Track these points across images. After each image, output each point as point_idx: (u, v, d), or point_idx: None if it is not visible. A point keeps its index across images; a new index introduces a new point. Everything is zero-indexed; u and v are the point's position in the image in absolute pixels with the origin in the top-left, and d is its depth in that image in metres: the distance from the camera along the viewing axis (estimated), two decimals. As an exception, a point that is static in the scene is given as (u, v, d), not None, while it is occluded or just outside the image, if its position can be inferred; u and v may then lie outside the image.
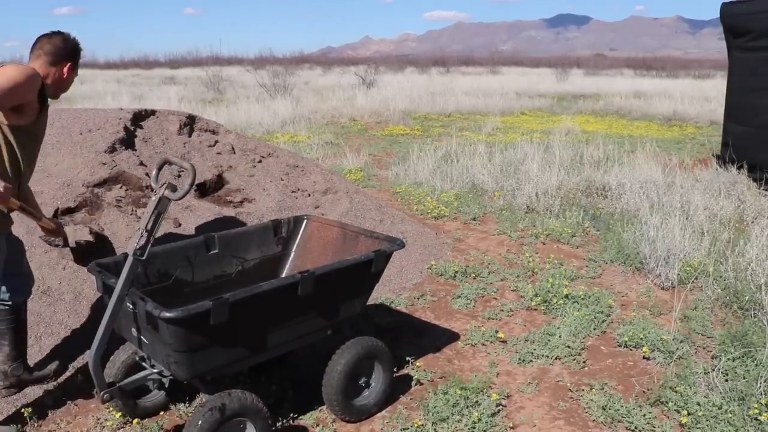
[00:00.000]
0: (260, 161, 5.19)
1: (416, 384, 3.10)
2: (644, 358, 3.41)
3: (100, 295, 2.93)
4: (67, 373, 3.01)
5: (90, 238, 3.50)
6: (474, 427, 2.71)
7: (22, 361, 2.79)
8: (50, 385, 2.92)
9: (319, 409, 2.82)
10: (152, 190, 2.42)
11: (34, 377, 2.84)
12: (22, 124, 2.44)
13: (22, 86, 2.33)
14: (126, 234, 3.78)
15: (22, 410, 2.74)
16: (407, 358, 3.25)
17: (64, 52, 2.58)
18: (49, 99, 2.59)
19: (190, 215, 4.19)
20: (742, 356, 3.23)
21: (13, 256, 2.66)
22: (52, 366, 2.89)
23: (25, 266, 2.79)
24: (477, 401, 2.90)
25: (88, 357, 2.29)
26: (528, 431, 2.77)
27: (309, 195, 5.14)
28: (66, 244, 2.81)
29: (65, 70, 2.59)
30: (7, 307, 2.67)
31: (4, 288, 2.66)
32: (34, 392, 2.87)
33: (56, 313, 3.26)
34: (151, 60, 60.67)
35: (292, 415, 2.75)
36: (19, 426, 2.65)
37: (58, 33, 2.60)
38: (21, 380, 2.78)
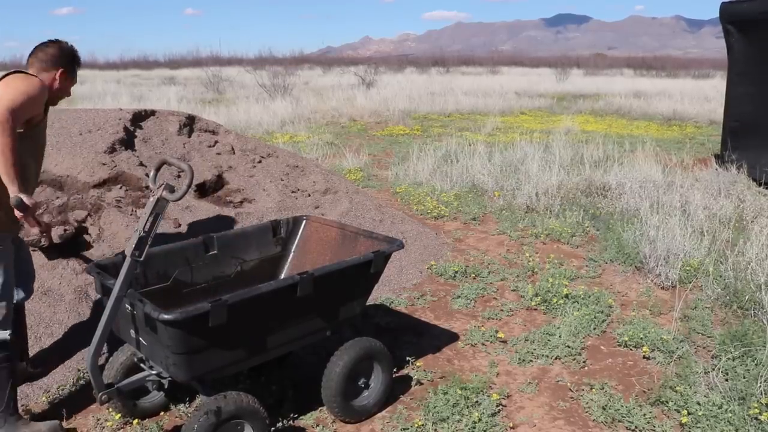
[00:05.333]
0: (260, 161, 5.19)
1: (416, 384, 3.10)
2: (644, 357, 3.41)
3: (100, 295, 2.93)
4: (67, 374, 3.01)
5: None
6: (474, 427, 2.70)
7: (26, 355, 2.89)
8: (50, 386, 2.92)
9: (319, 409, 2.82)
10: (151, 190, 2.41)
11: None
12: (28, 133, 2.46)
13: (34, 99, 2.37)
14: (126, 234, 3.78)
15: (22, 411, 2.74)
16: (407, 358, 3.25)
17: (60, 59, 2.59)
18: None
19: (190, 215, 4.19)
20: (742, 356, 3.23)
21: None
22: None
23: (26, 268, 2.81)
24: (477, 401, 2.90)
25: (86, 358, 2.29)
26: (528, 431, 2.77)
27: (309, 195, 5.14)
28: (50, 242, 2.86)
29: (58, 76, 2.59)
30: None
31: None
32: (33, 393, 2.87)
33: (56, 314, 3.26)
34: (151, 60, 60.64)
35: (292, 415, 2.75)
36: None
37: (56, 41, 2.63)
38: (24, 373, 2.86)
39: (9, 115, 2.22)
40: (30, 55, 2.60)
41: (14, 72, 2.46)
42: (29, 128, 2.45)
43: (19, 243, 2.76)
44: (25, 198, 2.29)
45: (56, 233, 3.42)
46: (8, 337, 2.50)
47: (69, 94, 2.74)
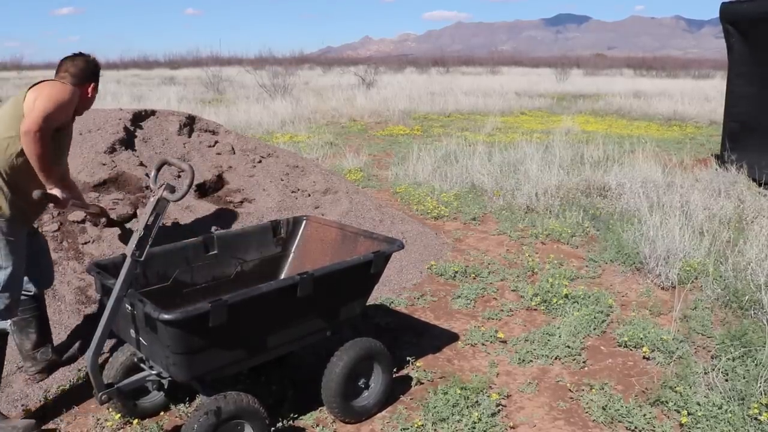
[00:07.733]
0: (260, 161, 5.19)
1: (416, 384, 3.10)
2: (644, 358, 3.41)
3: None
4: (68, 373, 3.01)
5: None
6: (474, 427, 2.70)
7: (50, 344, 2.96)
8: (50, 386, 2.93)
9: (319, 409, 2.82)
10: (151, 190, 2.42)
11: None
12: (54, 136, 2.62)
13: (64, 106, 2.57)
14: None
15: (23, 411, 2.74)
16: (407, 358, 3.25)
17: (88, 73, 2.77)
18: None
19: (190, 216, 4.19)
20: (742, 356, 3.23)
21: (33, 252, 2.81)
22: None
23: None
24: (477, 401, 2.90)
25: (86, 358, 2.29)
26: (528, 431, 2.77)
27: (309, 195, 5.14)
28: (109, 220, 3.26)
29: (89, 90, 2.80)
30: (29, 297, 2.81)
31: (26, 278, 2.79)
32: (34, 393, 2.87)
33: (56, 313, 3.27)
34: (151, 60, 60.57)
35: (292, 415, 2.75)
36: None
37: (81, 55, 2.81)
38: (51, 362, 2.94)
39: (43, 124, 2.43)
40: (59, 68, 2.74)
41: (43, 81, 2.62)
42: (55, 134, 2.58)
43: (35, 235, 2.86)
44: (57, 192, 2.59)
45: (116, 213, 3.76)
46: (7, 329, 2.64)
47: (91, 106, 2.94)
